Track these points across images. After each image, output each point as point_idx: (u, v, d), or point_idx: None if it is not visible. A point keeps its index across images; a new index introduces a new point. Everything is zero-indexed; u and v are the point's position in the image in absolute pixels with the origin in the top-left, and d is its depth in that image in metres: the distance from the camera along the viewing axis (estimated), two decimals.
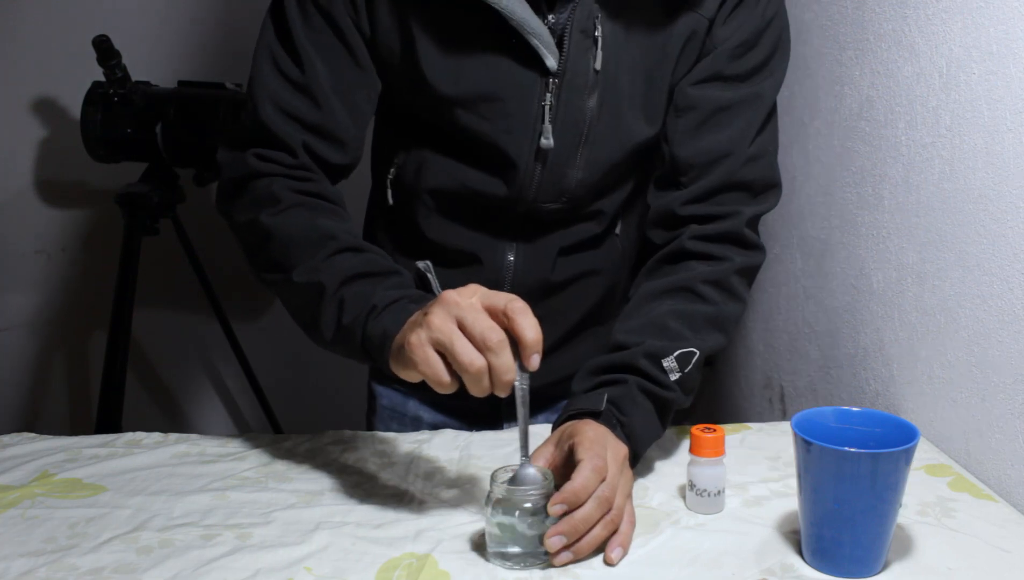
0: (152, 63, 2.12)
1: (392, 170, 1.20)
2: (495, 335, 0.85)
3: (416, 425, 1.32)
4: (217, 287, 2.23)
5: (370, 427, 1.37)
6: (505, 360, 0.85)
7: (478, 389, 0.86)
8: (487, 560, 0.90)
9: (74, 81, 2.07)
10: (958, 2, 1.08)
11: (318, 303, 0.99)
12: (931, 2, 1.13)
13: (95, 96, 2.00)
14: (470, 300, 0.87)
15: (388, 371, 0.94)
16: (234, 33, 2.30)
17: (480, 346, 0.85)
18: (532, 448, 0.94)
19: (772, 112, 1.14)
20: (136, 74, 2.02)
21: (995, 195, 1.03)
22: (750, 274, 1.13)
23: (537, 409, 1.04)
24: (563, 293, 1.23)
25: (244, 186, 1.08)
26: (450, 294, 0.88)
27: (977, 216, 1.06)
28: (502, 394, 0.87)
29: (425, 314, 0.88)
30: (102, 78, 1.98)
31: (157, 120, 1.99)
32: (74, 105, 2.07)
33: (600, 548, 0.91)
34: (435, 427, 1.30)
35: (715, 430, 0.98)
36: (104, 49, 1.92)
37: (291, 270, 1.02)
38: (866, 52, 1.28)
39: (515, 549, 0.89)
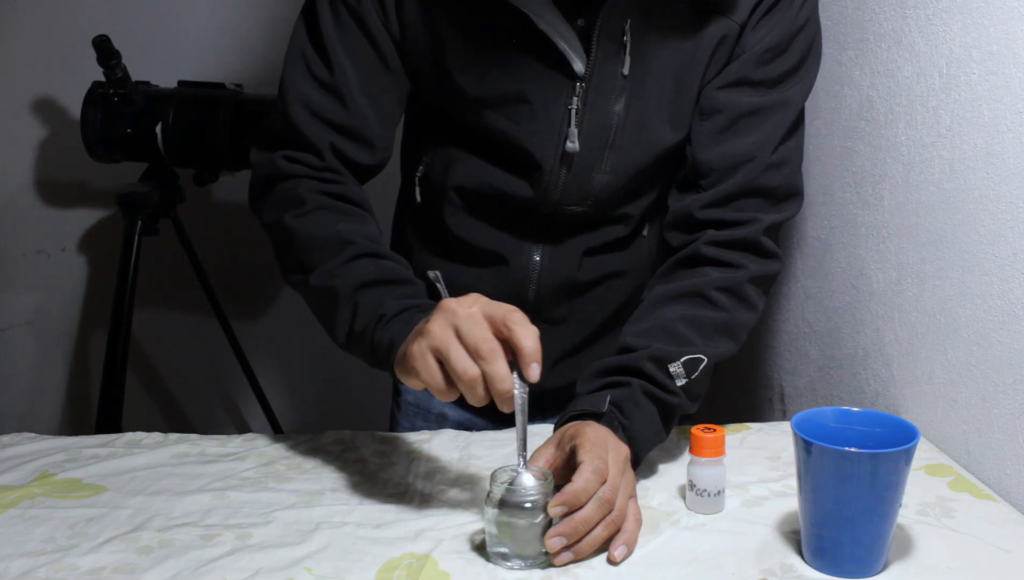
0: (152, 63, 2.12)
1: (421, 168, 1.21)
2: (487, 345, 0.86)
3: (440, 422, 1.33)
4: (217, 287, 2.23)
5: (394, 423, 1.38)
6: (498, 369, 0.86)
7: (474, 398, 0.87)
8: (487, 560, 0.90)
9: (74, 81, 2.06)
10: (958, 2, 1.08)
11: (334, 307, 1.01)
12: (931, 2, 1.13)
13: (95, 96, 2.00)
14: (469, 309, 0.88)
15: (395, 379, 0.95)
16: (234, 33, 2.30)
17: (474, 355, 0.86)
18: (530, 452, 0.94)
19: (799, 120, 1.13)
20: (136, 74, 2.01)
21: (995, 195, 1.03)
22: (765, 283, 1.13)
23: (560, 408, 1.05)
24: (589, 293, 1.23)
25: (272, 187, 1.10)
26: (449, 302, 0.89)
27: (977, 216, 1.06)
28: (504, 407, 0.88)
29: (426, 322, 0.89)
30: (102, 78, 1.98)
31: (157, 120, 1.98)
32: (74, 105, 2.07)
33: (601, 548, 0.91)
34: (460, 424, 1.30)
35: (715, 430, 0.98)
36: (104, 49, 1.91)
37: (310, 273, 1.04)
38: (866, 52, 1.27)
39: (515, 549, 0.89)
